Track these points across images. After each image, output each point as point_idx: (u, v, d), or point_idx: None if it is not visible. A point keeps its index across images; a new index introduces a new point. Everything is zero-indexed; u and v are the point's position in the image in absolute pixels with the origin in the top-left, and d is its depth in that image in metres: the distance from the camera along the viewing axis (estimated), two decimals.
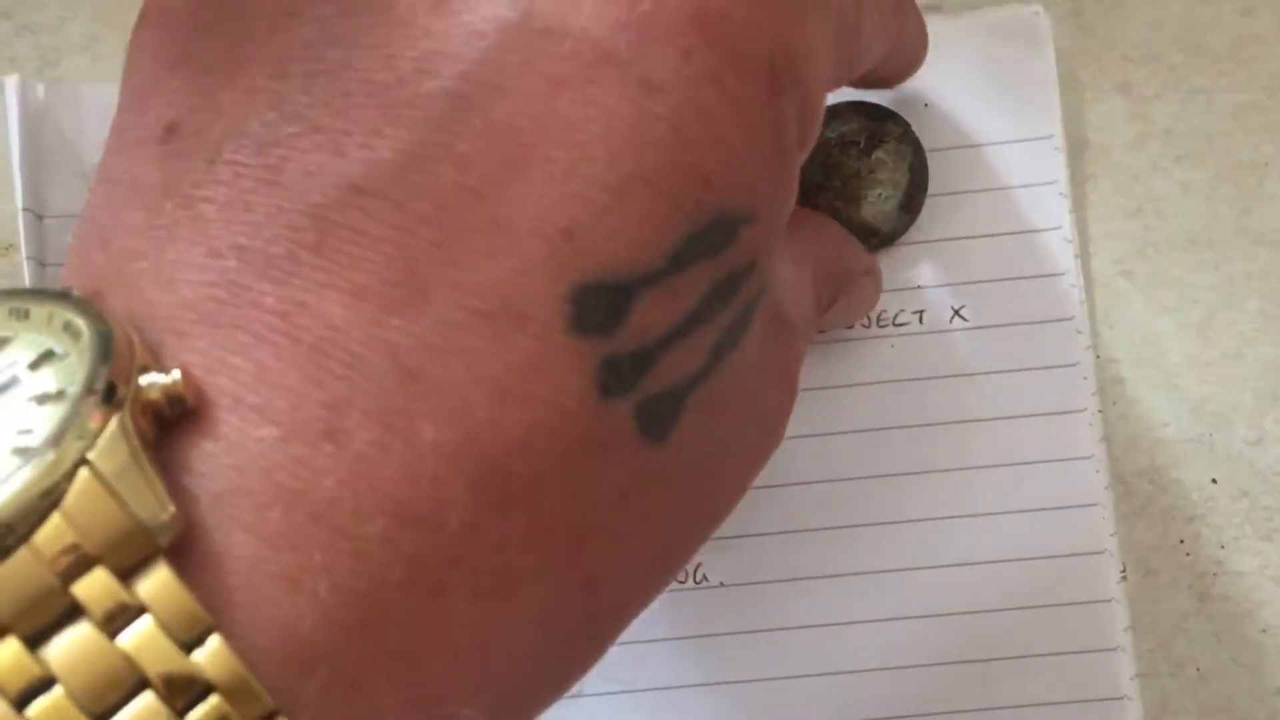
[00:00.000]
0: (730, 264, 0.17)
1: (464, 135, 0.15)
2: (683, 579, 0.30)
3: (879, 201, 0.29)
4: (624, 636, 0.29)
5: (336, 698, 0.14)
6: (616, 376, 0.16)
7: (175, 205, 0.15)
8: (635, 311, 0.16)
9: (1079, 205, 0.31)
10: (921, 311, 0.30)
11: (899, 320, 0.30)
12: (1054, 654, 0.29)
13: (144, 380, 0.14)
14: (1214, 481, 0.30)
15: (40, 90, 0.30)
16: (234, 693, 0.13)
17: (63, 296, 0.14)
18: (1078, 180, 0.31)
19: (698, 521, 0.18)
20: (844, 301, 0.27)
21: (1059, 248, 0.30)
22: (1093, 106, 0.31)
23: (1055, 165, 0.30)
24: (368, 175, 0.15)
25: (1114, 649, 0.29)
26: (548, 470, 0.15)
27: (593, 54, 0.16)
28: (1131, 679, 0.29)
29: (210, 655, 0.13)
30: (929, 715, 0.29)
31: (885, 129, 0.29)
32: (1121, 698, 0.29)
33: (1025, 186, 0.30)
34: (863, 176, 0.29)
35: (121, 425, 0.13)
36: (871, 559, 0.30)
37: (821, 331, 0.30)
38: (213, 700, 0.13)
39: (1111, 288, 0.31)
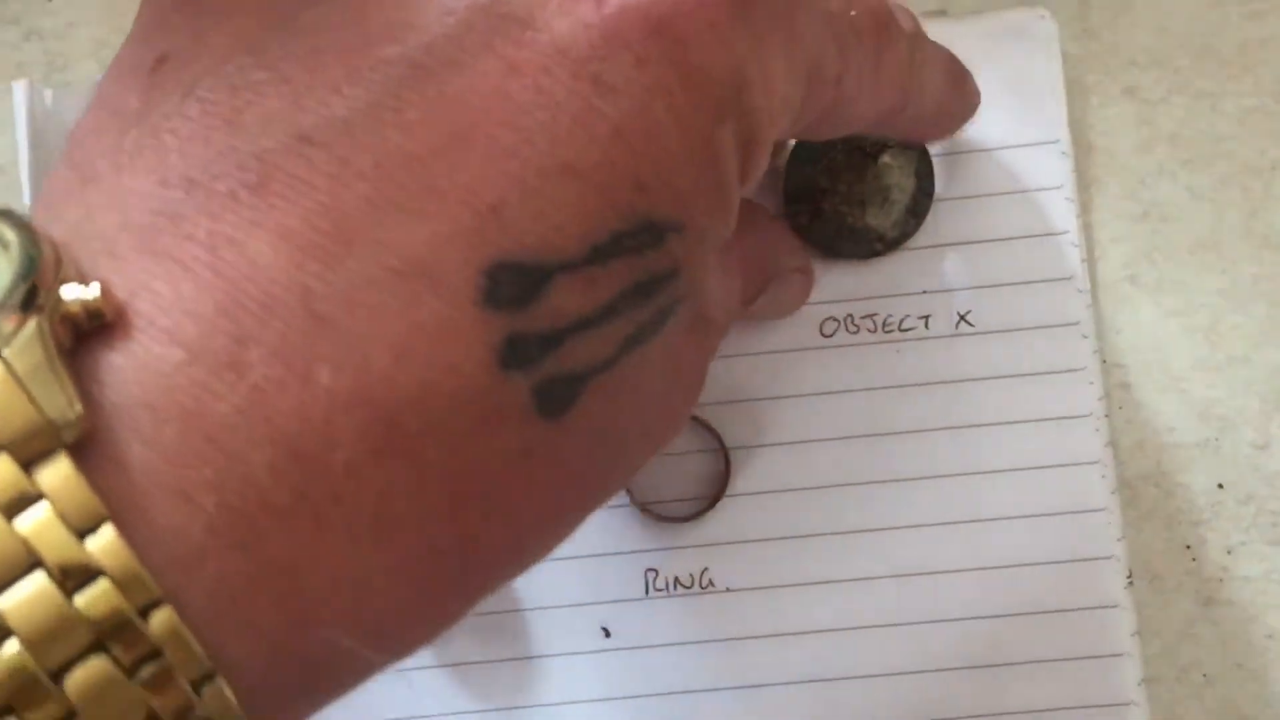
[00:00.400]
0: (652, 267, 0.18)
1: (415, 103, 0.16)
2: (689, 584, 0.30)
3: (885, 207, 0.29)
4: (631, 642, 0.30)
5: (218, 606, 0.15)
6: (519, 353, 0.16)
7: (143, 133, 0.17)
8: (549, 294, 0.17)
9: (1085, 210, 0.31)
10: (928, 316, 0.30)
11: (905, 325, 0.30)
12: (1060, 659, 0.29)
13: (66, 293, 0.14)
14: (1220, 486, 0.30)
15: (48, 95, 0.30)
16: (122, 580, 0.14)
17: (3, 214, 0.15)
18: (1084, 185, 0.31)
19: (586, 495, 0.19)
20: (772, 294, 0.27)
21: (1065, 252, 0.30)
22: (1099, 111, 0.31)
23: (1062, 170, 0.30)
24: (318, 127, 0.16)
25: (1120, 654, 0.29)
26: (437, 429, 0.16)
27: (552, 46, 0.17)
28: (1138, 684, 0.29)
29: (103, 544, 0.14)
30: None
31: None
32: (1128, 703, 0.29)
33: (1032, 191, 0.30)
34: (868, 181, 0.29)
35: (39, 329, 0.14)
36: (878, 564, 0.30)
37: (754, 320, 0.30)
38: (102, 584, 0.14)
39: (1118, 292, 0.31)
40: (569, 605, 0.30)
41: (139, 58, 0.18)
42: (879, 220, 0.29)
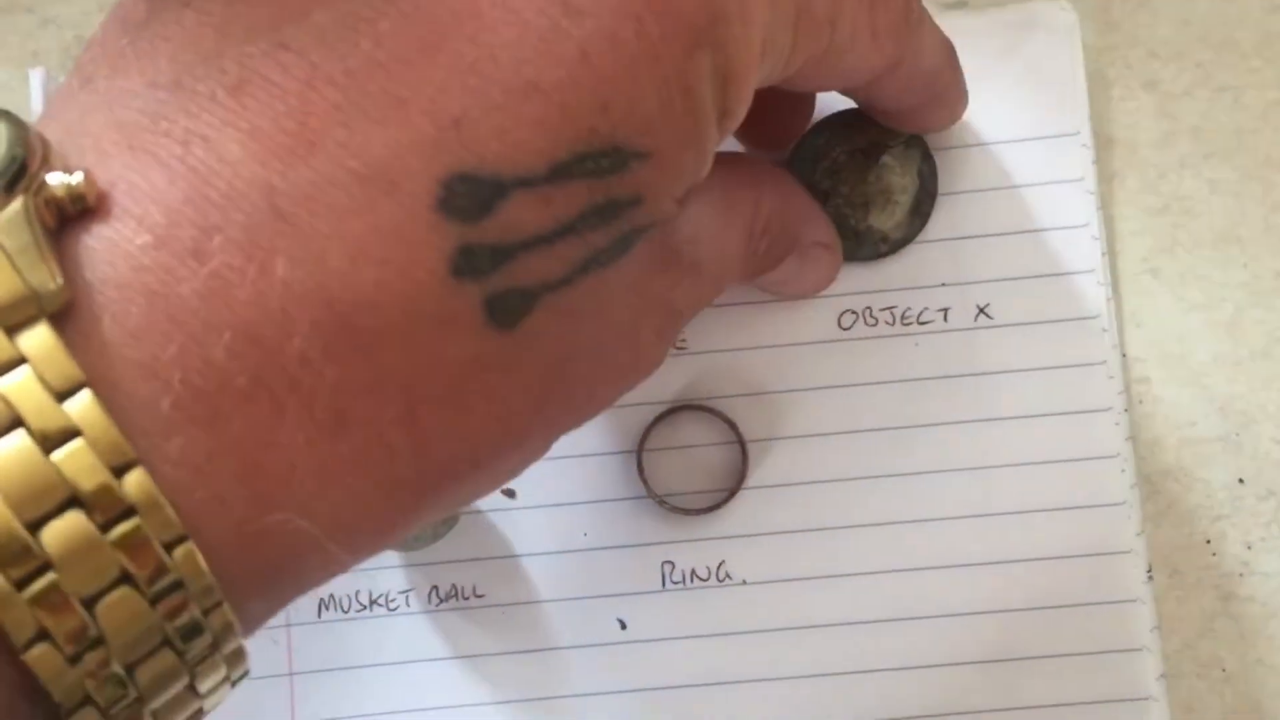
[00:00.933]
0: (613, 192, 0.18)
1: (389, 14, 0.17)
2: (705, 576, 0.30)
3: (888, 208, 0.29)
4: (647, 634, 0.29)
5: (184, 477, 0.15)
6: (471, 262, 0.17)
7: (144, 38, 0.17)
8: (504, 208, 0.17)
9: (1106, 202, 0.31)
10: (947, 309, 0.30)
11: (924, 318, 0.30)
12: (1079, 654, 0.29)
13: (52, 179, 0.15)
14: (1241, 481, 0.30)
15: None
16: (98, 441, 0.15)
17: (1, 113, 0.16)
18: (1105, 177, 0.31)
19: (542, 412, 0.19)
20: (794, 267, 0.27)
21: (1086, 245, 0.30)
22: (1120, 104, 0.31)
23: (1082, 162, 0.30)
24: (296, 34, 0.17)
25: (1139, 649, 0.29)
26: (389, 329, 0.16)
27: None
28: (1157, 679, 0.29)
29: (80, 407, 0.15)
30: (953, 714, 0.29)
31: (891, 135, 0.29)
32: (1147, 698, 0.29)
33: (1052, 183, 0.30)
34: (870, 183, 0.29)
35: (25, 207, 0.15)
36: (896, 558, 0.29)
37: (765, 290, 0.30)
38: (78, 444, 0.15)
39: (1138, 285, 0.30)
40: (586, 597, 0.30)
41: None
42: (882, 221, 0.29)
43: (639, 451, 0.30)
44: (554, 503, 0.30)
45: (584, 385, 0.20)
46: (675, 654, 0.30)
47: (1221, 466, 0.30)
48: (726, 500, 0.30)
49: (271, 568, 0.17)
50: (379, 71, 0.17)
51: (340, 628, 0.30)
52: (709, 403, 0.30)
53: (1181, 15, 0.31)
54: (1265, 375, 0.30)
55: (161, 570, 0.15)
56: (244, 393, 0.16)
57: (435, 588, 0.30)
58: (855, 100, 0.28)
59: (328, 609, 0.30)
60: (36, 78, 0.30)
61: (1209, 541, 0.30)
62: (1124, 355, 0.30)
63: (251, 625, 0.17)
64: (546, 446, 0.20)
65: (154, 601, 0.15)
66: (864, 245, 0.30)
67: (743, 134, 0.30)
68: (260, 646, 0.30)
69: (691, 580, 0.30)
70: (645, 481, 0.30)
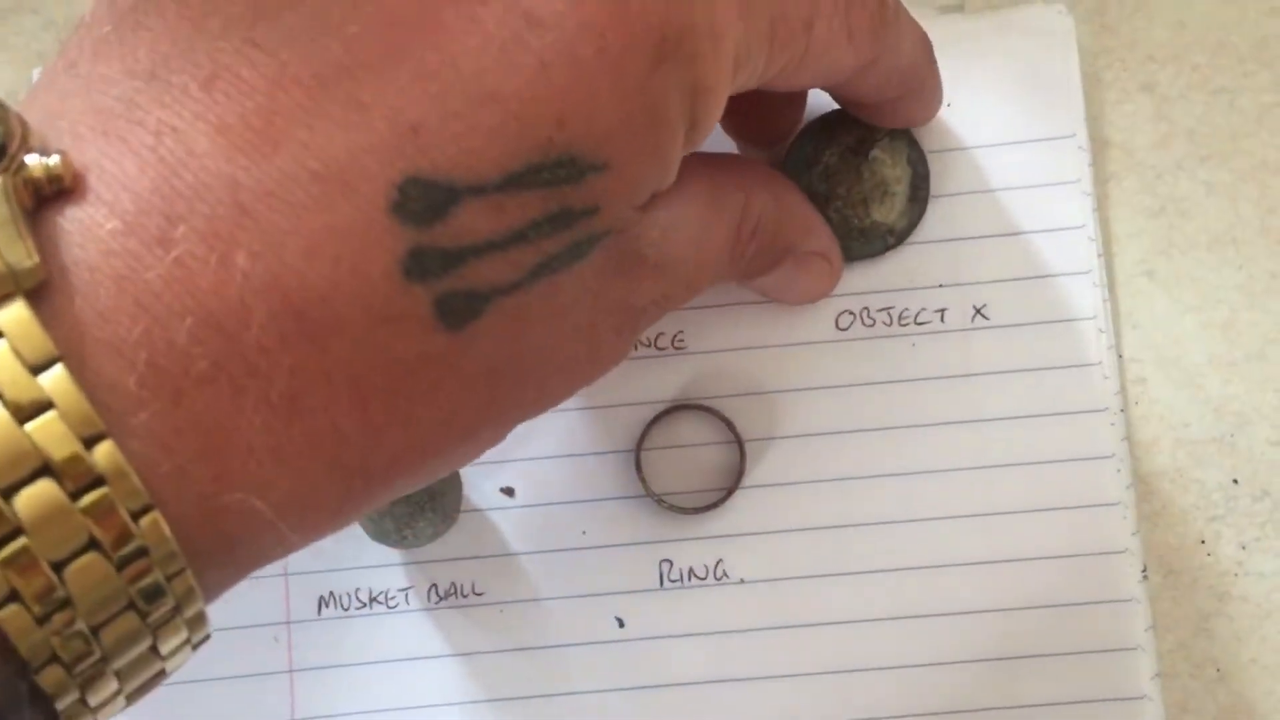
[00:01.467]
0: (568, 201, 0.19)
1: (357, 19, 0.17)
2: (703, 575, 0.30)
3: (886, 200, 0.29)
4: (645, 633, 0.30)
5: (150, 452, 0.16)
6: (421, 264, 0.18)
7: (126, 25, 0.18)
8: (456, 214, 0.18)
9: (1102, 204, 0.31)
10: (943, 310, 0.30)
11: (920, 319, 0.30)
12: (1075, 653, 0.29)
13: (30, 160, 0.16)
14: (1235, 482, 0.30)
15: None
16: (70, 413, 0.15)
17: None
18: (1101, 179, 0.31)
19: (494, 408, 0.20)
20: (789, 274, 0.28)
21: (1082, 247, 0.30)
22: (1116, 106, 0.31)
23: (1078, 164, 0.30)
24: (268, 33, 0.17)
25: (1134, 648, 0.29)
26: (341, 324, 0.17)
27: None
28: (1152, 679, 0.29)
29: (52, 380, 0.15)
30: (948, 713, 0.29)
31: (875, 129, 0.29)
32: (1142, 697, 0.29)
33: (1048, 185, 0.30)
34: (865, 179, 0.29)
35: (3, 187, 0.16)
36: (892, 557, 0.30)
37: (759, 294, 0.30)
38: (51, 415, 0.15)
39: (1134, 287, 0.31)
40: (583, 595, 0.30)
41: None
42: (884, 214, 0.29)
43: (637, 450, 0.30)
44: (553, 501, 0.30)
45: (534, 382, 0.21)
46: (673, 652, 0.30)
47: (1216, 467, 0.30)
48: (724, 499, 0.30)
49: (229, 541, 0.17)
50: (344, 75, 0.17)
51: (340, 625, 0.30)
52: (707, 402, 0.30)
53: (1178, 18, 0.31)
54: (1260, 377, 0.30)
55: (127, 536, 0.16)
56: (205, 375, 0.16)
57: (434, 585, 0.30)
58: (833, 96, 0.28)
59: (327, 606, 0.30)
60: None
61: (1204, 542, 0.30)
62: (1120, 356, 0.30)
63: (212, 593, 0.18)
64: (500, 437, 0.21)
65: (120, 566, 0.16)
66: (871, 241, 0.30)
67: (735, 131, 0.30)
68: (260, 644, 0.30)
69: (689, 579, 0.30)
70: (644, 480, 0.30)
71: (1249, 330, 0.30)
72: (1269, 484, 0.30)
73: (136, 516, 0.16)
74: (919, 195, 0.30)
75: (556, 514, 0.30)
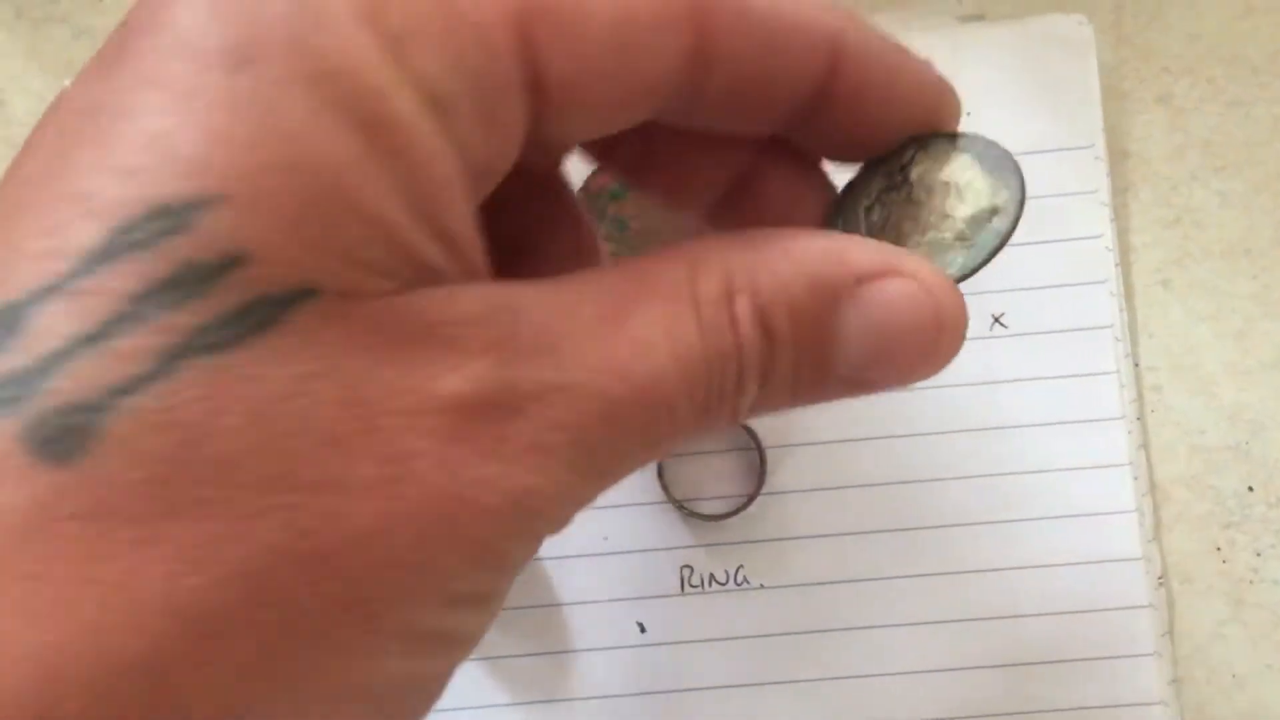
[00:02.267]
0: (182, 256, 0.14)
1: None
2: (724, 580, 0.30)
3: (952, 196, 0.21)
4: (666, 638, 0.30)
5: None
6: None
7: None
8: (26, 326, 0.14)
9: (1119, 214, 0.31)
10: None
11: None
12: (1090, 659, 0.29)
13: None
14: (1250, 489, 0.30)
15: None
16: None
17: None
18: (1118, 189, 0.31)
19: (191, 550, 0.15)
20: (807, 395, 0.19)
21: (1099, 256, 0.30)
22: (1133, 117, 0.31)
23: (1096, 174, 0.31)
24: None
25: (1150, 654, 0.29)
26: None
27: None
28: (1168, 684, 0.29)
29: None
30: (966, 718, 0.29)
31: (890, 155, 0.21)
32: (1158, 703, 0.29)
33: (1067, 195, 0.31)
34: (923, 200, 0.21)
35: None
36: (911, 563, 0.30)
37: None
38: None
39: (1150, 296, 0.31)
40: (605, 601, 0.30)
41: None
42: (966, 203, 0.21)
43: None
44: None
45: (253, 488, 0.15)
46: (693, 657, 0.30)
47: (1232, 475, 0.30)
48: (745, 506, 0.30)
49: None
50: None
51: None
52: None
53: (1193, 30, 0.32)
54: (1275, 384, 0.30)
55: None
56: None
57: None
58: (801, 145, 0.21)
59: None
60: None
61: (1219, 549, 0.30)
62: (1136, 365, 0.31)
63: None
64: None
65: None
66: (980, 230, 0.21)
67: (664, 193, 0.22)
68: None
69: (710, 584, 0.30)
70: (665, 487, 0.30)
71: (1263, 339, 0.30)
72: None
73: None
74: (1004, 165, 0.21)
75: (578, 520, 0.30)
